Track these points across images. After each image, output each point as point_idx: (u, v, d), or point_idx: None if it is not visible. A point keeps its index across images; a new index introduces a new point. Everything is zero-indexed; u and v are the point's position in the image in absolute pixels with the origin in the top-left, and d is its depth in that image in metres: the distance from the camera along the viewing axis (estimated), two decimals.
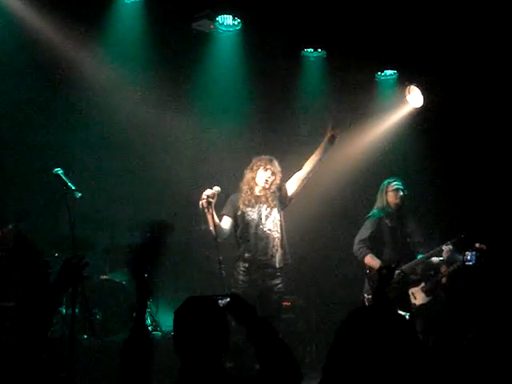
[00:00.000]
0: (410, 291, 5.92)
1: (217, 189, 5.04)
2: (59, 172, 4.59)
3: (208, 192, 4.99)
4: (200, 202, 4.99)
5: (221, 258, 5.05)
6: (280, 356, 2.37)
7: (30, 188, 6.49)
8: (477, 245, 5.70)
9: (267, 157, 5.35)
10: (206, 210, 4.99)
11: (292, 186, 5.39)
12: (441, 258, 5.91)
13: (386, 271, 3.13)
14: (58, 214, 5.67)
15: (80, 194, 4.55)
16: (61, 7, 5.66)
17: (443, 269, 5.88)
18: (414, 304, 5.88)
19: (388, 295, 5.52)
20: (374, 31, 6.31)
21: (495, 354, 2.49)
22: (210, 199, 4.98)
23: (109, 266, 6.53)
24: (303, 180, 5.40)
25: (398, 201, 5.96)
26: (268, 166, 5.27)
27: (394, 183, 5.98)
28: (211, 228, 5.10)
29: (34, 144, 6.66)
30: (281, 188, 5.37)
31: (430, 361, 2.19)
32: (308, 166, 5.40)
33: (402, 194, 5.96)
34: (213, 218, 5.03)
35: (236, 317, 2.50)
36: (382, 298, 3.05)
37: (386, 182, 6.05)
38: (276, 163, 5.32)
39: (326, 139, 5.40)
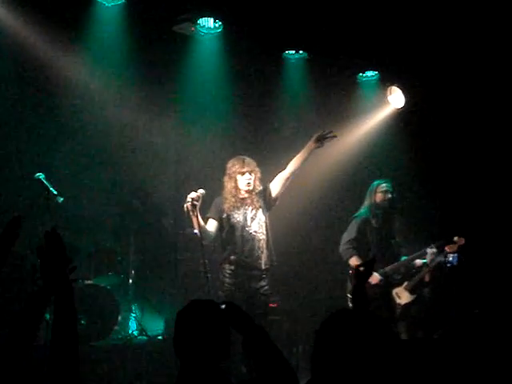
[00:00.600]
0: (394, 291, 5.95)
1: (201, 191, 5.02)
2: (41, 177, 4.55)
3: (192, 195, 4.96)
4: (185, 205, 4.96)
5: (206, 261, 5.03)
6: (276, 364, 2.38)
7: (11, 193, 6.43)
8: (455, 238, 5.77)
9: (239, 158, 5.30)
10: (191, 213, 4.95)
11: (276, 186, 5.38)
12: (424, 261, 5.95)
13: (363, 269, 3.12)
14: (41, 218, 5.62)
15: (62, 199, 4.52)
16: (40, 12, 5.61)
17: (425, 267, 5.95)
18: (399, 304, 5.91)
19: (368, 295, 5.60)
20: (354, 32, 6.34)
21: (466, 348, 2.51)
22: (195, 202, 4.95)
23: (93, 271, 6.48)
24: (287, 180, 5.38)
25: (386, 202, 5.98)
26: (244, 169, 5.24)
27: (384, 185, 6.00)
28: (196, 231, 5.08)
29: (16, 150, 6.61)
30: (265, 189, 5.37)
31: (409, 360, 2.21)
32: (292, 165, 5.37)
33: (390, 196, 5.98)
34: (198, 220, 5.00)
35: (233, 324, 2.50)
36: (361, 297, 3.03)
37: (376, 182, 6.05)
38: (249, 160, 5.28)
39: (313, 140, 5.38)
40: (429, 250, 5.89)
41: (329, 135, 5.39)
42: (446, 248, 5.84)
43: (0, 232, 2.31)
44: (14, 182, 6.41)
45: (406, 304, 5.90)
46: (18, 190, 6.35)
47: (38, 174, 4.58)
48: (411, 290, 5.90)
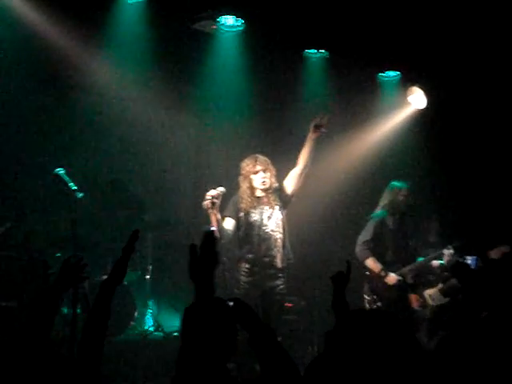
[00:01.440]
0: (427, 292, 5.89)
1: (221, 189, 4.98)
2: (60, 172, 4.55)
3: (212, 192, 4.93)
4: (204, 203, 4.93)
5: (224, 259, 5.01)
6: (281, 362, 2.37)
7: (30, 188, 6.49)
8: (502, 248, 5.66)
9: (252, 157, 5.28)
10: (210, 211, 4.92)
11: (290, 183, 5.35)
12: (441, 262, 5.90)
13: (337, 278, 3.08)
14: (59, 213, 5.66)
15: (82, 194, 4.52)
16: (63, 9, 5.64)
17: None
18: (432, 305, 5.87)
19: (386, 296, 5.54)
20: (376, 32, 6.30)
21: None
22: (215, 200, 4.91)
23: (110, 266, 6.51)
24: (300, 175, 5.34)
25: (406, 206, 5.93)
26: (258, 168, 5.22)
27: (405, 188, 5.92)
28: (214, 228, 5.06)
29: (36, 145, 6.67)
30: (281, 187, 5.35)
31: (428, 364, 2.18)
32: (301, 160, 5.34)
33: (411, 200, 5.93)
34: (216, 218, 4.98)
35: (239, 321, 2.50)
36: (341, 304, 2.97)
37: (396, 184, 5.96)
38: (262, 158, 5.26)
39: (311, 130, 5.30)
40: (446, 251, 5.84)
41: (323, 121, 5.27)
42: (491, 253, 5.72)
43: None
44: (34, 178, 6.48)
45: (437, 306, 5.86)
46: (37, 186, 6.42)
47: (57, 169, 4.59)
48: (445, 293, 5.85)
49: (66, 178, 4.54)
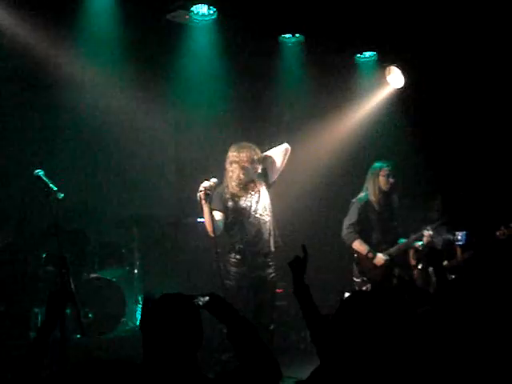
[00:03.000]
0: (431, 269, 5.86)
1: (214, 180, 4.95)
2: (40, 173, 4.51)
3: (206, 184, 4.89)
4: (198, 194, 4.89)
5: (219, 250, 5.00)
6: (260, 355, 2.37)
7: (11, 190, 6.44)
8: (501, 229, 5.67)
9: (246, 146, 5.22)
10: (204, 202, 4.90)
11: (273, 164, 5.35)
12: (420, 243, 5.93)
13: (295, 263, 3.07)
14: (42, 215, 5.62)
15: (62, 195, 4.48)
16: (32, 7, 5.56)
17: (459, 254, 5.92)
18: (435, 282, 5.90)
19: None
20: (350, 13, 6.27)
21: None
22: (208, 191, 4.90)
23: (98, 264, 6.50)
24: (284, 155, 5.37)
25: (388, 186, 5.95)
26: (255, 158, 5.18)
27: (386, 168, 5.93)
28: (207, 221, 5.03)
29: (15, 147, 6.60)
30: (263, 171, 5.34)
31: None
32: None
33: (392, 180, 5.94)
34: (210, 210, 4.96)
35: (216, 316, 2.49)
36: (302, 290, 2.99)
37: (378, 165, 5.97)
38: (256, 148, 5.23)
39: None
40: (425, 232, 5.88)
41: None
42: (498, 233, 5.73)
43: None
44: (14, 180, 6.42)
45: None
46: (17, 188, 6.37)
47: (37, 170, 4.55)
48: (450, 270, 5.89)
49: (46, 179, 4.50)
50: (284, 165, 5.38)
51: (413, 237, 5.96)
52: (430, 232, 5.86)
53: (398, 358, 2.07)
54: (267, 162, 5.34)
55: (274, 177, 5.38)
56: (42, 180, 4.48)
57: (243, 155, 5.15)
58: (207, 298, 2.49)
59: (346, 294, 4.06)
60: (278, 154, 5.36)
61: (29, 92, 6.65)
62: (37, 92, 6.72)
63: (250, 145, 5.25)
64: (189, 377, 2.28)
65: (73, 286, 4.18)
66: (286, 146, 5.40)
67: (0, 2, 5.57)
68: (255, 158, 5.17)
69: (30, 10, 5.58)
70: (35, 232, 6.17)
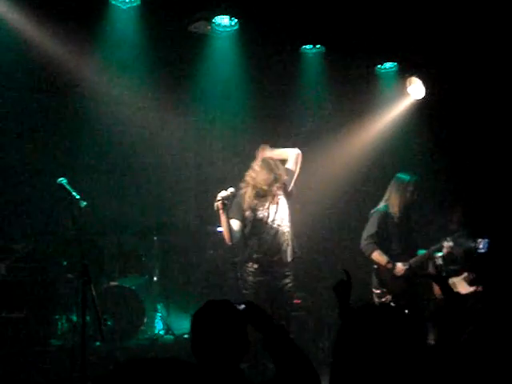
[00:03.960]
0: (451, 281, 5.85)
1: (231, 190, 4.96)
2: (63, 182, 4.57)
3: (223, 194, 4.91)
4: (215, 204, 4.91)
5: (236, 259, 5.01)
6: (297, 363, 2.36)
7: (34, 199, 6.53)
8: None
9: (264, 162, 5.26)
10: (222, 212, 4.91)
11: (289, 173, 5.36)
12: (440, 254, 5.88)
13: (340, 287, 3.00)
14: (64, 223, 5.68)
15: (85, 203, 4.53)
16: (57, 17, 5.65)
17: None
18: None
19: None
20: (371, 24, 6.26)
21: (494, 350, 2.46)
22: (225, 201, 4.91)
23: (118, 272, 6.55)
24: (295, 164, 5.39)
25: (413, 200, 5.90)
26: (266, 171, 5.20)
27: (415, 182, 5.86)
28: (225, 230, 5.04)
29: (38, 155, 6.70)
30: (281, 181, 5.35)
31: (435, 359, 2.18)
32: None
33: (417, 197, 5.89)
34: (227, 219, 4.97)
35: (252, 324, 2.49)
36: (347, 314, 2.90)
37: (405, 178, 5.86)
38: (272, 162, 5.24)
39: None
40: (445, 244, 5.82)
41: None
42: None
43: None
44: (36, 188, 6.51)
45: (463, 295, 5.84)
46: (39, 196, 6.45)
47: (60, 178, 4.61)
48: (470, 282, 5.83)
49: (69, 188, 4.55)
50: (297, 171, 5.38)
51: (432, 248, 5.92)
52: (450, 243, 5.82)
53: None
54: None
55: (290, 185, 5.38)
56: (65, 188, 4.54)
57: (261, 176, 5.17)
58: (243, 306, 2.50)
59: None
60: (291, 161, 5.37)
61: (51, 101, 6.75)
62: (59, 102, 6.81)
63: (268, 160, 5.24)
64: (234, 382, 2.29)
65: (94, 294, 4.22)
66: (297, 151, 5.41)
67: (25, 12, 5.66)
68: (273, 178, 5.18)
69: (55, 21, 5.66)
70: (56, 240, 6.24)
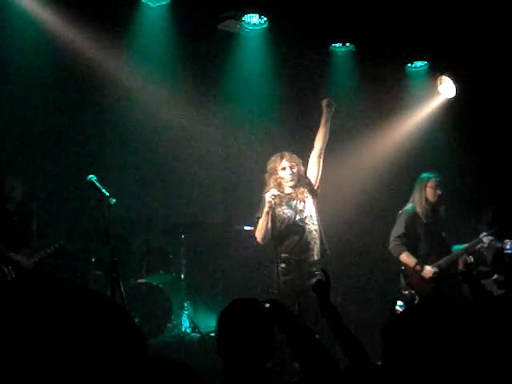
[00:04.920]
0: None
1: (275, 191, 5.04)
2: (93, 179, 4.60)
3: (274, 192, 4.99)
4: (268, 200, 4.96)
5: (278, 260, 5.04)
6: (322, 363, 2.34)
7: (63, 196, 6.59)
8: None
9: (278, 155, 5.29)
10: (269, 211, 5.00)
11: (313, 171, 5.35)
12: (475, 248, 5.78)
13: (318, 287, 2.97)
14: (93, 219, 5.73)
15: (114, 201, 4.57)
16: (88, 16, 5.69)
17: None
18: None
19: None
20: (401, 22, 6.20)
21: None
22: (275, 200, 4.98)
23: (145, 269, 6.58)
24: (319, 157, 5.36)
25: (436, 197, 5.84)
26: (285, 164, 5.21)
27: (434, 179, 5.83)
28: (263, 228, 5.07)
29: (67, 153, 6.77)
30: (307, 180, 5.34)
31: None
32: (318, 142, 5.37)
33: (439, 191, 5.83)
34: (269, 218, 5.04)
35: (277, 322, 2.48)
36: (329, 312, 2.86)
37: (425, 176, 5.88)
38: (288, 154, 5.26)
39: (324, 109, 5.42)
40: (485, 239, 5.71)
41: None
42: None
43: None
44: (64, 185, 6.58)
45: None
46: (68, 193, 6.52)
47: (90, 176, 4.64)
48: (500, 284, 5.74)
49: (99, 185, 4.59)
50: (321, 170, 5.36)
51: (470, 244, 5.80)
52: (490, 237, 5.70)
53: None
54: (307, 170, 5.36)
55: (315, 184, 5.37)
56: (95, 185, 4.57)
57: (274, 164, 5.23)
58: (268, 304, 2.49)
59: (399, 304, 3.96)
60: (314, 160, 5.36)
61: (81, 100, 6.81)
62: (88, 100, 6.87)
63: (283, 153, 5.26)
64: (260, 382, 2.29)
65: (123, 290, 4.24)
66: (318, 149, 5.38)
67: (55, 11, 5.71)
68: (286, 164, 5.20)
69: (86, 20, 5.70)
70: (86, 237, 6.29)
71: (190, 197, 7.54)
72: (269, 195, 4.97)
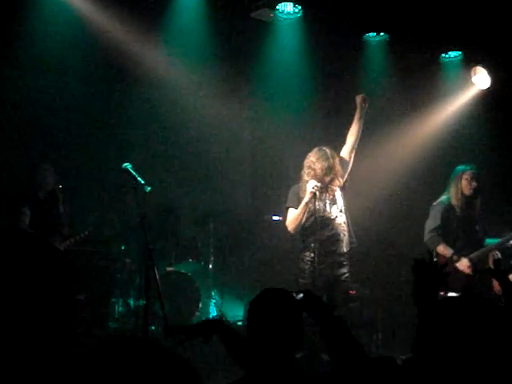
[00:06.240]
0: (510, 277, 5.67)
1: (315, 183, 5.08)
2: (128, 167, 4.61)
3: (317, 183, 5.03)
4: (311, 191, 5.01)
5: (309, 251, 5.10)
6: (354, 355, 2.32)
7: (98, 184, 6.63)
8: None
9: (324, 154, 5.27)
10: (309, 200, 5.04)
11: (344, 165, 5.36)
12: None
13: (419, 267, 2.80)
14: (128, 208, 5.75)
15: (150, 188, 4.57)
16: (123, 6, 5.69)
17: None
18: None
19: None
20: (436, 12, 6.10)
21: None
22: (316, 191, 5.01)
23: (174, 258, 6.60)
24: (351, 152, 5.39)
25: (471, 190, 5.76)
26: (329, 165, 5.21)
27: (469, 172, 5.75)
28: (298, 217, 5.12)
29: (101, 141, 6.79)
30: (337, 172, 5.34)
31: None
32: (351, 137, 5.39)
33: (475, 184, 5.75)
34: (307, 208, 5.10)
35: (310, 314, 2.46)
36: (423, 300, 2.59)
37: (461, 168, 5.81)
38: (331, 153, 5.25)
39: (358, 105, 5.44)
40: None
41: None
42: None
43: None
44: (95, 173, 6.61)
45: None
46: (104, 181, 6.55)
47: (125, 164, 4.65)
48: None
49: (134, 173, 4.59)
50: (352, 163, 5.38)
51: (503, 239, 5.71)
52: None
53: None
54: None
55: (345, 176, 5.38)
56: (130, 173, 4.58)
57: (319, 164, 5.21)
58: (301, 295, 2.47)
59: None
60: (345, 152, 5.38)
61: (116, 90, 6.82)
62: (119, 88, 6.88)
63: (326, 151, 5.26)
64: (288, 374, 2.27)
65: (158, 278, 4.25)
66: (350, 144, 5.38)
67: (91, 1, 5.71)
68: (330, 165, 5.19)
69: (121, 10, 5.70)
70: (118, 224, 6.33)
71: (219, 187, 7.55)
72: (311, 185, 5.01)
